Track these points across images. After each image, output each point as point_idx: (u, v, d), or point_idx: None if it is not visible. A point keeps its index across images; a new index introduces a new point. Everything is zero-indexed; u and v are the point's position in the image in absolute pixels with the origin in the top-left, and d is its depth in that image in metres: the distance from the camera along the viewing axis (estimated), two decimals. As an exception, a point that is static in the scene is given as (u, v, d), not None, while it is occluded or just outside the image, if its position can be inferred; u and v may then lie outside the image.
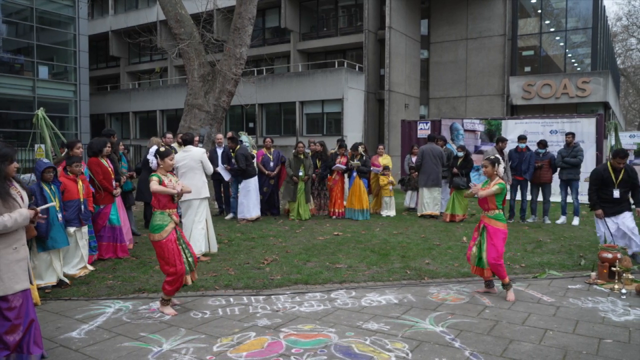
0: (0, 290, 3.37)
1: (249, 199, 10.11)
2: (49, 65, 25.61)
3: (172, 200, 4.72)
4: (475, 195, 5.26)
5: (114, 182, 7.06)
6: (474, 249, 5.35)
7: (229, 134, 10.72)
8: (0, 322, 3.39)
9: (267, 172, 10.54)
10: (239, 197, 10.26)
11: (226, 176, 10.30)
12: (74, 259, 6.06)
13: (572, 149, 9.77)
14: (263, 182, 10.61)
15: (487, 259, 5.13)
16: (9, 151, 3.53)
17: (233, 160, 10.14)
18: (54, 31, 25.46)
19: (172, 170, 5.02)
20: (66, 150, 6.57)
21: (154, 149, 4.91)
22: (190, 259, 4.79)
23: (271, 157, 10.68)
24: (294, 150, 10.52)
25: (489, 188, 5.18)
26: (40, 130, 6.92)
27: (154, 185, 4.61)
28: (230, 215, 10.55)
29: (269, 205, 10.90)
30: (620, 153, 6.55)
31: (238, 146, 10.22)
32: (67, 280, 5.66)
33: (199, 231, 6.82)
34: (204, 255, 6.88)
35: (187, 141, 7.27)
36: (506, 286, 5.18)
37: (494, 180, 5.24)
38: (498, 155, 5.45)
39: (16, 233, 3.48)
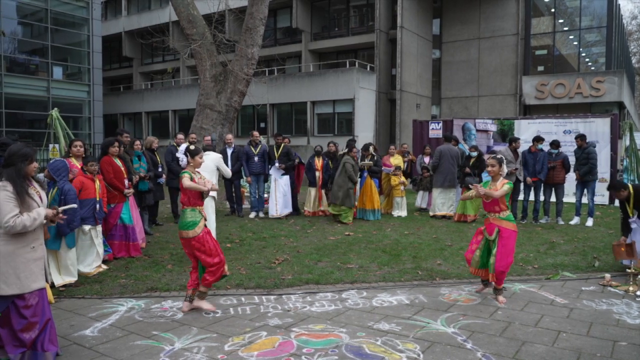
0: (17, 288, 3.42)
1: (290, 194, 10.60)
2: (63, 65, 25.92)
3: (201, 197, 4.80)
4: (482, 197, 5.00)
5: (126, 182, 7.12)
6: (477, 252, 5.14)
7: (255, 133, 10.92)
8: (16, 319, 3.44)
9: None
10: (277, 194, 10.46)
11: (277, 174, 10.47)
12: (89, 257, 6.12)
13: (582, 151, 9.68)
14: (289, 183, 10.77)
15: (495, 266, 4.89)
16: (29, 151, 3.58)
17: (253, 159, 10.43)
18: (68, 32, 25.77)
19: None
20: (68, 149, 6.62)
21: (183, 147, 4.99)
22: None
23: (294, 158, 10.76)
24: (347, 152, 10.11)
25: (497, 189, 4.96)
26: (54, 130, 7.02)
27: (187, 181, 4.65)
28: (253, 214, 10.68)
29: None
30: (613, 187, 6.22)
31: (283, 144, 10.58)
32: (57, 283, 5.51)
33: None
34: None
35: (206, 149, 7.87)
36: (499, 291, 5.07)
37: (498, 180, 5.06)
38: (501, 155, 5.25)
39: (34, 232, 3.53)
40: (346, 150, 10.06)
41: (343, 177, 9.73)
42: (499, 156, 5.14)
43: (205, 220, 4.82)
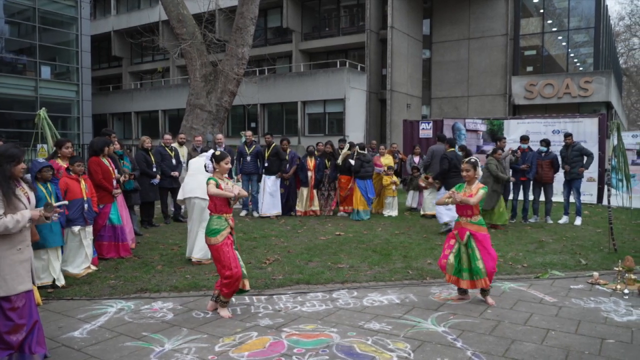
0: (3, 290, 3.37)
1: (278, 195, 10.67)
2: (51, 65, 25.70)
3: (229, 204, 4.64)
4: (459, 202, 4.92)
5: (114, 182, 7.06)
6: (451, 257, 4.97)
7: (248, 133, 10.89)
8: (2, 322, 3.40)
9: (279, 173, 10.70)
10: (265, 193, 10.52)
11: (275, 185, 10.63)
12: (78, 258, 6.06)
13: (572, 148, 9.77)
14: (279, 184, 10.79)
15: (486, 269, 4.80)
16: (16, 152, 3.53)
17: (246, 158, 10.45)
18: (56, 31, 25.55)
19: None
20: (54, 149, 6.55)
21: (210, 153, 4.85)
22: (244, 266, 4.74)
23: (287, 157, 10.74)
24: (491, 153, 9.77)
25: (472, 194, 4.91)
26: (42, 130, 6.96)
27: (212, 188, 4.53)
28: (244, 212, 10.70)
29: (287, 207, 10.92)
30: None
31: (274, 144, 10.61)
32: (60, 283, 5.55)
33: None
34: (208, 259, 6.85)
35: (204, 150, 7.80)
36: (487, 292, 4.98)
37: (475, 184, 5.01)
38: (475, 159, 5.17)
39: (20, 234, 3.48)
40: (490, 151, 9.77)
41: (485, 179, 9.10)
42: (472, 160, 5.09)
43: (232, 228, 4.67)
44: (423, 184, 10.11)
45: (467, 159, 5.16)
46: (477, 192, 4.91)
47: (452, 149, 9.16)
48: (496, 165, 9.37)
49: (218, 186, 4.58)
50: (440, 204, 5.35)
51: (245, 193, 4.87)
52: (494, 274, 4.96)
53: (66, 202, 5.03)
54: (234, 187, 4.74)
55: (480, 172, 5.10)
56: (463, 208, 4.99)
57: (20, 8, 24.38)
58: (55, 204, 3.69)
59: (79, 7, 25.73)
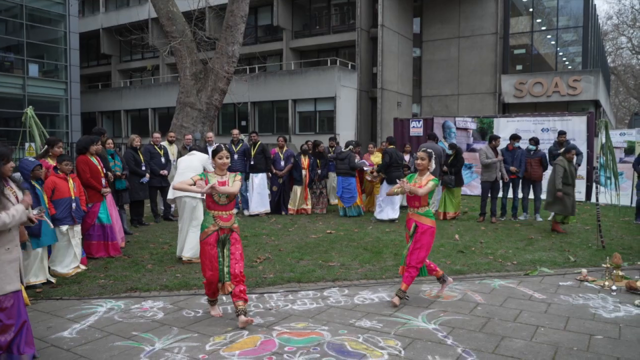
0: (-9, 290, 3.34)
1: (266, 193, 10.71)
2: (39, 63, 25.44)
3: (215, 201, 4.44)
4: (407, 193, 4.90)
5: (103, 181, 7.00)
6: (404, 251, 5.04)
7: (235, 131, 10.92)
8: (-10, 322, 3.37)
9: (275, 170, 10.69)
10: (254, 192, 10.53)
11: (263, 183, 10.67)
12: (67, 257, 6.01)
13: (565, 146, 9.84)
14: (272, 182, 10.78)
15: (407, 259, 4.87)
16: (5, 151, 3.49)
17: (233, 157, 10.34)
18: (44, 29, 25.28)
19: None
20: (45, 147, 6.50)
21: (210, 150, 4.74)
22: (226, 269, 4.44)
23: (282, 156, 10.73)
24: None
25: (422, 185, 4.90)
26: (29, 129, 6.89)
27: (178, 183, 4.43)
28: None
29: (278, 205, 10.91)
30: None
31: (260, 142, 10.63)
32: (52, 280, 5.63)
33: (196, 235, 6.73)
34: (199, 258, 6.81)
35: (192, 149, 7.70)
36: (401, 292, 4.88)
37: (426, 175, 4.98)
38: (431, 150, 5.09)
39: (9, 234, 3.44)
40: (562, 150, 9.12)
41: (553, 181, 8.66)
42: (429, 150, 5.08)
43: (220, 229, 4.42)
44: (369, 178, 10.95)
45: (423, 148, 5.13)
46: (426, 183, 4.92)
47: (392, 146, 10.20)
48: (565, 167, 8.53)
49: (195, 182, 4.35)
50: (391, 195, 5.40)
51: (232, 190, 4.50)
52: (414, 270, 4.86)
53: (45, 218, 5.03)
54: (234, 184, 4.54)
55: (433, 164, 5.08)
56: (412, 199, 4.99)
57: (7, 5, 24.09)
58: (36, 213, 3.73)
59: (67, 5, 25.47)
